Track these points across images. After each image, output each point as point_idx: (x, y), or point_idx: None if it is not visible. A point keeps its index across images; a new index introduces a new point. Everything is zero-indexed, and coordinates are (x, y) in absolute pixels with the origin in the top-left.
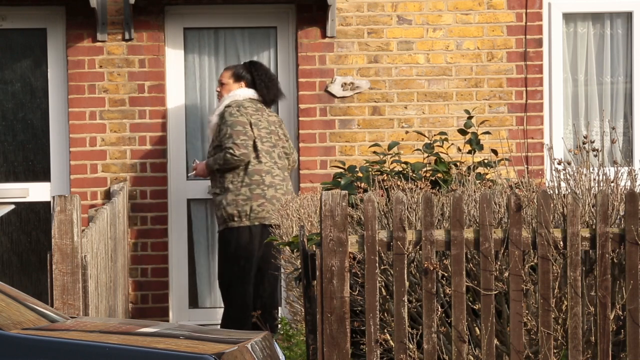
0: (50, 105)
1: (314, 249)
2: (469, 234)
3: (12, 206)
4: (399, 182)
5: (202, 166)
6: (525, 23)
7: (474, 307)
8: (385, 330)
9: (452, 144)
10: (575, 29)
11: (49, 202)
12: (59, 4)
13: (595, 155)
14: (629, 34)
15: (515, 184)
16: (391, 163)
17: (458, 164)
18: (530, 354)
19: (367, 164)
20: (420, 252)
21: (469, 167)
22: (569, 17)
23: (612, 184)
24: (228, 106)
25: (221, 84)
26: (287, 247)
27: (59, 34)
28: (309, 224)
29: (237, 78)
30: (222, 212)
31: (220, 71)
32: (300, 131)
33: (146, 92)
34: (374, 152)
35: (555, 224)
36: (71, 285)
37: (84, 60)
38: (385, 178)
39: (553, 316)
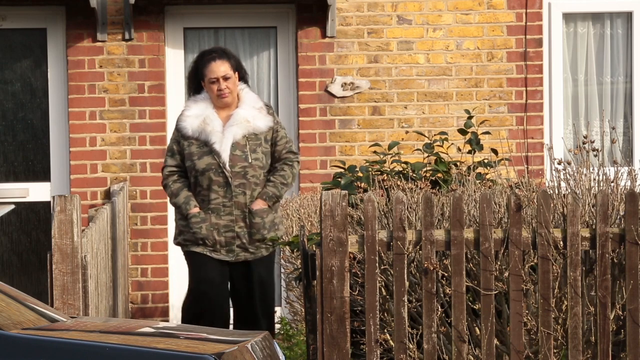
0: (50, 105)
1: (314, 248)
2: (469, 234)
3: (12, 206)
4: (399, 182)
5: (261, 204)
6: (525, 23)
7: (474, 307)
8: (385, 330)
9: (452, 143)
10: (575, 28)
11: (49, 202)
12: (59, 4)
13: (595, 155)
14: (629, 34)
15: (515, 184)
16: (391, 163)
17: (458, 163)
18: (530, 354)
19: (367, 164)
20: (420, 252)
21: (469, 167)
22: (569, 17)
23: (612, 184)
24: (266, 105)
25: (226, 78)
26: (287, 247)
27: (59, 34)
28: (309, 223)
29: (235, 70)
30: (276, 232)
31: None
32: (300, 131)
33: (146, 92)
34: (374, 152)
35: (555, 223)
36: (71, 285)
37: (84, 60)
38: (385, 178)
39: (553, 316)
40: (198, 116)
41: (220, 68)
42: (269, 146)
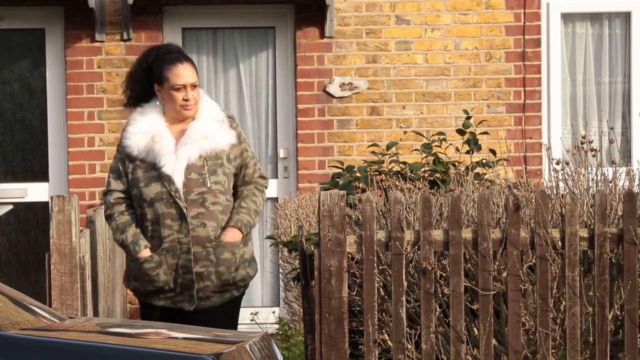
0: (48, 106)
1: (312, 249)
2: (467, 234)
3: (11, 206)
4: (397, 182)
5: (234, 234)
6: (524, 23)
7: (472, 307)
8: (384, 331)
9: (451, 144)
10: (573, 29)
11: (47, 202)
12: (58, 4)
13: (594, 155)
14: (627, 34)
15: (514, 184)
16: (389, 163)
17: (456, 164)
18: (529, 354)
19: (366, 164)
20: (419, 252)
21: (467, 167)
22: (567, 17)
23: (610, 184)
24: (229, 117)
25: (194, 86)
26: (285, 247)
27: (58, 34)
28: (307, 224)
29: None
30: (248, 270)
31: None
32: (299, 131)
33: None
34: (373, 152)
35: (554, 224)
36: (69, 286)
37: (83, 61)
38: (384, 178)
39: (551, 316)
40: (146, 133)
41: (186, 72)
42: (232, 167)
